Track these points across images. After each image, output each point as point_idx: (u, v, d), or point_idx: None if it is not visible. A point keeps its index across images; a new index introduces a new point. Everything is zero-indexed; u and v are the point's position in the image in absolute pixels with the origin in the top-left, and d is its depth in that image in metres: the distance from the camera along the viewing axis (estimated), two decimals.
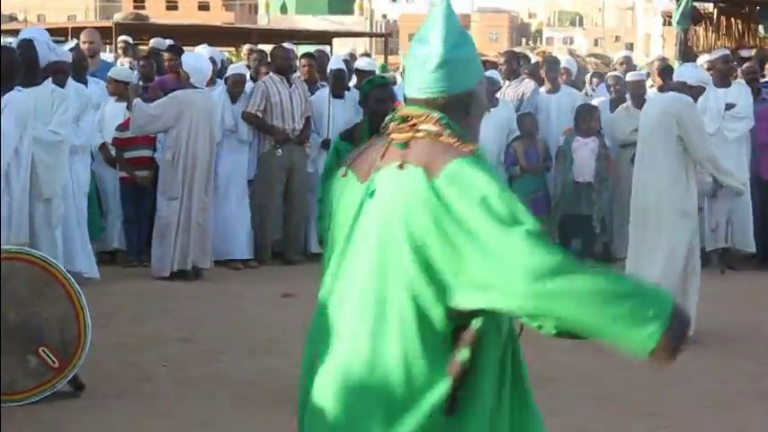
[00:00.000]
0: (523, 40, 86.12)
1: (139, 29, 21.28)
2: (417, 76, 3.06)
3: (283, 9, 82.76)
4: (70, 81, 9.81)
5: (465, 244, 2.82)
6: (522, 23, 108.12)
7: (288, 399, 4.11)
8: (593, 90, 14.26)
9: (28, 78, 8.54)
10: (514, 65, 13.26)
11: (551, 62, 13.33)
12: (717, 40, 16.69)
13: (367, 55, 17.95)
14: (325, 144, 11.61)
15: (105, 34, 17.52)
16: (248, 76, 12.68)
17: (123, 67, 12.36)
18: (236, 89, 11.69)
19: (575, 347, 8.16)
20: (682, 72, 9.03)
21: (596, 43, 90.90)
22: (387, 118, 3.12)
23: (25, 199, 8.43)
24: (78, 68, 11.01)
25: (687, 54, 15.90)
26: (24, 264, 6.59)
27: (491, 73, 12.58)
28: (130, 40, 14.79)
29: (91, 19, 60.24)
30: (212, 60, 11.99)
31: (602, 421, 6.52)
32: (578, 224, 11.94)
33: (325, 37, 27.68)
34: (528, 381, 3.08)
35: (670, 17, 17.67)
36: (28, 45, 8.91)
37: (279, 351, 7.76)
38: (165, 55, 11.91)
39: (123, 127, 11.04)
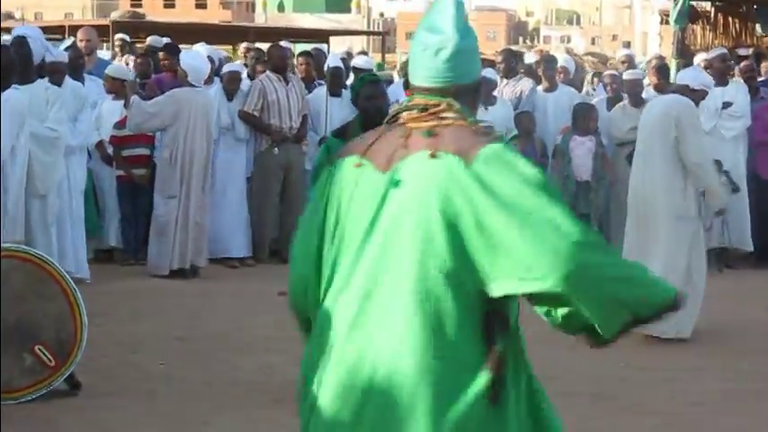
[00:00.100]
0: (521, 39, 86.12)
1: (136, 27, 21.27)
2: (429, 64, 3.04)
3: (280, 7, 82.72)
4: (67, 80, 9.81)
5: (507, 224, 2.82)
6: (520, 22, 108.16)
7: (286, 397, 4.11)
8: (594, 89, 14.27)
9: (22, 76, 8.53)
10: (512, 63, 13.25)
11: (549, 61, 13.33)
12: (714, 38, 16.70)
13: (364, 53, 17.95)
14: (323, 142, 11.60)
15: (102, 32, 17.52)
16: (245, 75, 12.69)
17: (120, 65, 12.34)
18: (231, 86, 11.68)
19: (573, 346, 8.16)
20: (684, 75, 9.01)
21: (593, 42, 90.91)
22: (396, 107, 3.10)
23: (21, 194, 8.43)
24: (75, 66, 11.00)
25: (684, 52, 15.90)
26: (20, 261, 6.57)
27: (487, 72, 12.58)
28: (127, 38, 14.78)
29: (88, 17, 60.22)
30: (210, 59, 11.98)
31: (600, 419, 6.52)
32: None
33: (322, 35, 27.68)
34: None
35: (667, 16, 17.69)
36: (21, 43, 8.90)
37: (276, 349, 7.75)
38: (160, 54, 11.89)
39: (121, 125, 11.02)
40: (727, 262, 11.77)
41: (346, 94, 11.89)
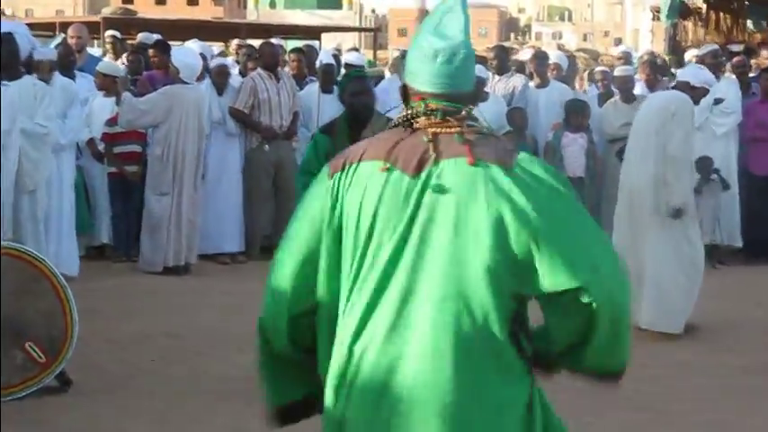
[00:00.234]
0: (512, 35, 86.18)
1: (127, 24, 21.25)
2: (442, 70, 3.06)
3: (272, 4, 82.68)
4: (56, 76, 9.79)
5: (549, 229, 2.94)
6: (511, 18, 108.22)
7: None
8: (590, 86, 14.29)
9: (10, 72, 8.52)
10: (504, 60, 13.28)
11: (540, 57, 13.34)
12: (706, 34, 16.73)
13: (355, 50, 17.93)
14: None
15: (93, 29, 17.48)
16: (237, 72, 12.68)
17: (111, 62, 12.31)
18: (220, 80, 11.68)
19: None
20: (686, 72, 9.02)
21: (585, 38, 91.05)
22: (408, 112, 3.08)
23: (11, 190, 8.42)
24: (66, 63, 10.99)
25: (676, 49, 15.93)
26: (11, 259, 6.56)
27: (478, 69, 12.56)
28: (118, 34, 14.73)
29: (79, 14, 60.12)
30: (202, 56, 11.97)
31: (590, 414, 6.52)
32: None
33: (313, 32, 27.67)
34: None
35: (659, 12, 17.71)
36: (8, 39, 8.88)
37: None
38: (150, 51, 11.86)
39: (112, 122, 11.01)
40: (719, 258, 11.79)
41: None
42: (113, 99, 10.82)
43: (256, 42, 15.44)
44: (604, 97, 12.61)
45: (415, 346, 2.90)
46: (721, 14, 17.16)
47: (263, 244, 11.80)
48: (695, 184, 9.75)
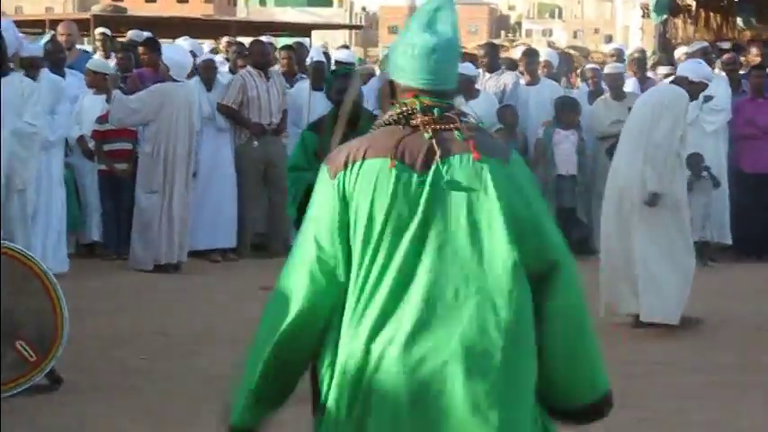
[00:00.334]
0: (503, 33, 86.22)
1: (117, 21, 21.18)
2: (437, 67, 3.07)
3: (262, 2, 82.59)
4: (43, 73, 9.77)
5: (541, 218, 3.11)
6: (502, 15, 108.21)
7: None
8: (580, 83, 14.30)
9: None
10: (495, 57, 13.29)
11: (530, 54, 13.34)
12: (695, 32, 16.73)
13: (346, 47, 17.92)
14: None
15: (83, 26, 17.44)
16: (227, 69, 12.67)
17: (101, 59, 12.28)
18: (207, 75, 11.67)
19: None
20: (685, 67, 9.02)
21: (575, 35, 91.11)
22: (403, 109, 3.07)
23: (2, 189, 8.41)
24: (56, 61, 10.97)
25: (666, 46, 15.94)
26: (4, 257, 6.54)
27: (465, 67, 12.61)
28: (108, 32, 14.70)
29: (69, 11, 59.96)
30: (192, 53, 11.96)
31: None
32: (561, 217, 11.97)
33: (304, 29, 27.63)
34: None
35: (648, 9, 17.71)
36: None
37: None
38: (140, 49, 11.85)
39: (103, 119, 10.99)
40: (709, 256, 11.80)
41: None
42: (104, 97, 10.81)
43: (246, 40, 15.43)
44: (594, 95, 12.62)
45: (454, 346, 2.90)
46: (711, 12, 17.16)
47: (255, 242, 11.80)
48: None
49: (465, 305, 2.93)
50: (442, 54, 3.07)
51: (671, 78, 9.59)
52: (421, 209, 2.96)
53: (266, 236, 11.83)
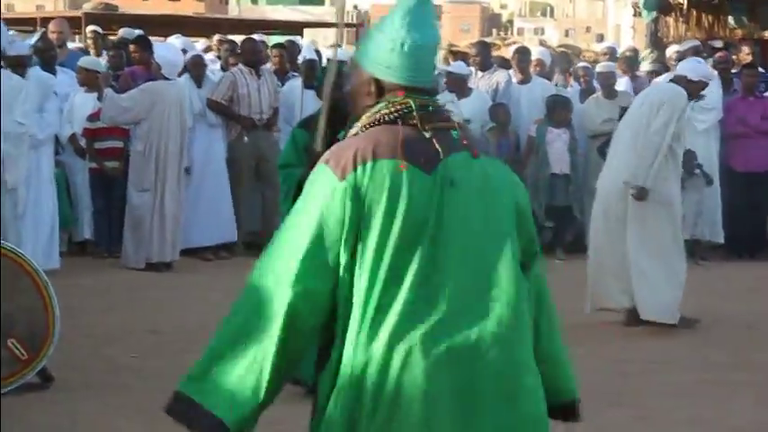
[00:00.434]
0: (494, 31, 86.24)
1: (109, 19, 21.13)
2: (426, 64, 3.09)
3: (254, 0, 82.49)
4: (31, 70, 9.75)
5: (530, 214, 3.21)
6: (494, 14, 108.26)
7: None
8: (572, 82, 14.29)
9: None
10: (486, 55, 13.29)
11: (522, 53, 13.35)
12: (687, 30, 16.73)
13: (338, 46, 17.89)
14: None
15: (74, 24, 17.40)
16: (218, 67, 12.67)
17: (93, 57, 12.26)
18: (197, 71, 11.66)
19: None
20: (685, 66, 8.99)
21: (567, 34, 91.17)
22: (400, 107, 3.03)
23: None
24: (47, 58, 10.95)
25: (657, 45, 15.94)
26: None
27: (457, 66, 12.64)
28: (100, 30, 14.68)
29: (60, 8, 59.83)
30: (184, 51, 11.95)
31: None
32: (553, 215, 11.98)
33: (296, 27, 27.60)
34: None
35: (640, 8, 17.71)
36: None
37: None
38: (131, 47, 11.83)
39: (94, 117, 10.98)
40: (701, 254, 11.82)
41: None
42: (95, 94, 10.79)
43: (238, 38, 15.39)
44: (586, 93, 12.62)
45: (479, 340, 2.93)
46: (702, 11, 17.16)
47: (249, 240, 11.78)
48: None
49: (483, 300, 2.96)
50: (430, 52, 3.08)
51: (670, 77, 9.58)
52: (434, 209, 2.94)
53: (259, 233, 11.80)
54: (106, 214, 11.25)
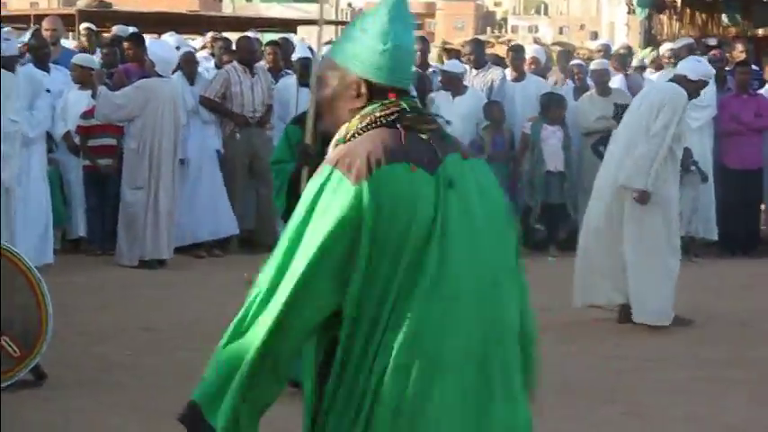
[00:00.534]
0: (488, 29, 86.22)
1: (102, 16, 21.09)
2: (410, 66, 3.09)
3: None
4: (21, 67, 9.73)
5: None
6: (488, 12, 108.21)
7: None
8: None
9: None
10: (481, 53, 13.30)
11: (516, 50, 13.36)
12: (681, 28, 16.73)
13: (331, 43, 17.89)
14: None
15: (68, 21, 17.36)
16: (212, 64, 12.66)
17: (87, 54, 12.24)
18: (189, 68, 11.65)
19: (539, 335, 8.17)
20: (684, 65, 8.92)
21: (561, 31, 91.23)
22: (392, 109, 2.98)
23: None
24: (40, 56, 10.94)
25: (651, 42, 15.95)
26: None
27: (452, 64, 12.63)
28: (93, 27, 14.66)
29: (54, 6, 59.70)
30: (178, 49, 11.93)
31: (564, 407, 6.53)
32: (548, 213, 11.99)
33: (290, 25, 27.57)
34: None
35: (633, 5, 17.72)
36: None
37: None
38: (125, 44, 11.82)
39: (88, 114, 10.96)
40: (694, 251, 11.83)
41: None
42: (89, 92, 10.79)
43: (232, 35, 15.37)
44: (580, 90, 12.63)
45: (496, 335, 2.97)
46: (696, 8, 17.16)
47: (243, 237, 11.78)
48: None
49: (492, 300, 2.97)
50: (413, 53, 3.08)
51: (669, 76, 9.57)
52: (441, 212, 2.92)
53: (253, 231, 11.81)
54: (99, 212, 11.24)
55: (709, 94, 11.89)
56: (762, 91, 12.61)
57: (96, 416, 6.32)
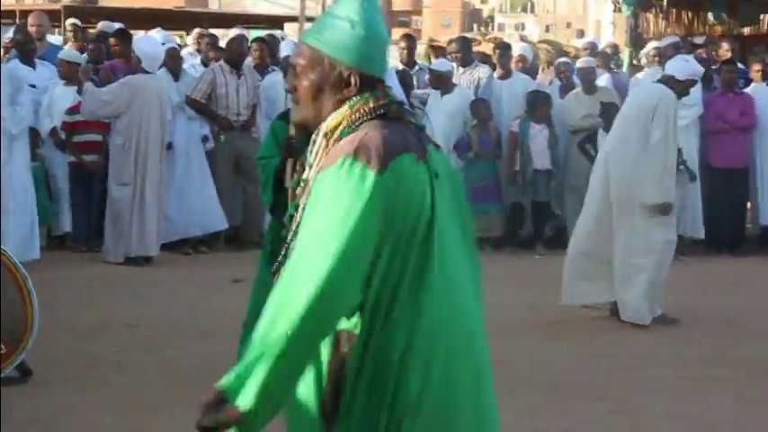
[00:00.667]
0: (475, 26, 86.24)
1: (88, 12, 21.06)
2: (387, 58, 3.06)
3: None
4: (4, 63, 9.70)
5: None
6: (474, 9, 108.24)
7: None
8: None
9: None
10: (467, 51, 13.31)
11: (503, 48, 13.36)
12: (666, 27, 16.75)
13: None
14: None
15: (54, 17, 17.32)
16: (198, 61, 12.63)
17: (74, 50, 12.20)
18: (173, 64, 11.62)
19: (524, 333, 8.18)
20: (672, 65, 8.90)
21: (547, 29, 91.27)
22: (383, 101, 2.97)
23: None
24: (26, 52, 10.90)
25: (637, 41, 15.95)
26: None
27: (440, 63, 12.64)
28: (79, 23, 14.62)
29: (39, 1, 59.51)
30: (164, 45, 11.91)
31: (552, 406, 6.54)
32: (534, 211, 12.00)
33: (277, 21, 27.53)
34: None
35: (620, 3, 17.73)
36: None
37: (228, 336, 7.70)
38: (111, 40, 11.79)
39: (74, 110, 10.93)
40: (681, 250, 11.84)
41: None
42: (74, 88, 10.75)
43: (218, 32, 15.35)
44: (566, 88, 12.63)
45: (473, 320, 3.01)
46: (682, 7, 17.18)
47: (228, 235, 11.77)
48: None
49: (473, 290, 3.03)
50: (385, 44, 3.05)
51: (657, 76, 9.56)
52: (437, 201, 2.94)
53: (239, 228, 11.80)
54: (85, 208, 11.21)
55: (695, 92, 11.91)
56: (747, 90, 12.63)
57: (82, 412, 6.30)
